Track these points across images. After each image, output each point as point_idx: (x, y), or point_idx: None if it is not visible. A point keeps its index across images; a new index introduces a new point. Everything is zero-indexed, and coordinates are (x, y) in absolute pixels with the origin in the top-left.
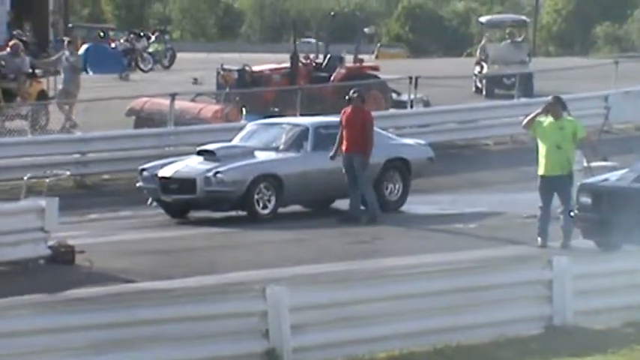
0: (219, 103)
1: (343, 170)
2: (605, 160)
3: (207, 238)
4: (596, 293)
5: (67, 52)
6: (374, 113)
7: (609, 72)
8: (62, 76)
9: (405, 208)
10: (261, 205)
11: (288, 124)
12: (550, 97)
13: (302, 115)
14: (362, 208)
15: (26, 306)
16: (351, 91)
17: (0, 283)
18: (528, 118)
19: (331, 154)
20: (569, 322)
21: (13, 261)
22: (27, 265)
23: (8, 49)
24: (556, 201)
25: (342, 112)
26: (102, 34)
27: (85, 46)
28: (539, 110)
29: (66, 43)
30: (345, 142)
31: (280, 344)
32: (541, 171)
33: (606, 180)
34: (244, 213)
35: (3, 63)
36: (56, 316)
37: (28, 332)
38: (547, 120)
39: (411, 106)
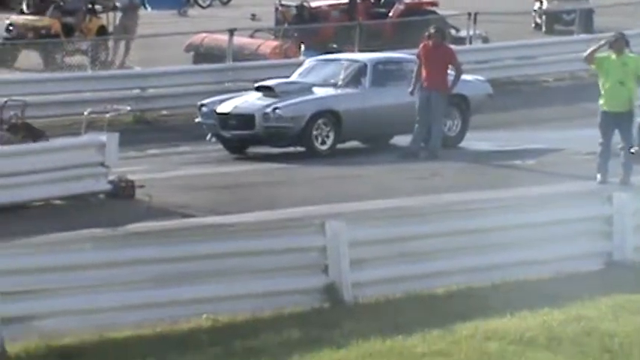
0: (277, 39)
1: (417, 105)
2: None
3: (266, 174)
4: None
5: None
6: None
7: None
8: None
9: (463, 144)
10: (319, 140)
11: (347, 60)
12: (614, 33)
13: (360, 51)
14: (422, 145)
15: (87, 240)
16: (432, 27)
17: (61, 218)
18: (590, 50)
19: (410, 89)
20: (628, 257)
21: (75, 195)
22: (88, 199)
23: None
24: (616, 137)
25: (421, 46)
26: None
27: None
28: (601, 42)
29: None
30: (425, 79)
31: (339, 279)
32: (603, 107)
33: None
34: (303, 149)
35: None
36: (117, 250)
37: (89, 266)
38: (610, 56)
39: (470, 43)
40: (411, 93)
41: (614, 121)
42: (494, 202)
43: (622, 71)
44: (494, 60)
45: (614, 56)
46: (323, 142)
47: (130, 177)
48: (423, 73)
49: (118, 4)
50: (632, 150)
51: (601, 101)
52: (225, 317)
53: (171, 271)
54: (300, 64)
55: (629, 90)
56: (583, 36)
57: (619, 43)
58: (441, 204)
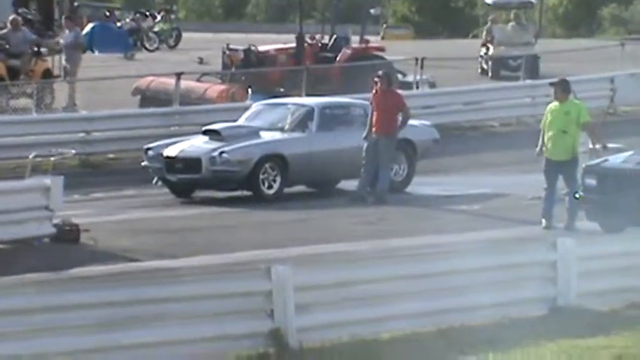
0: (224, 83)
1: (364, 148)
2: (604, 148)
3: (212, 218)
4: (599, 275)
5: (66, 31)
6: None
7: (615, 54)
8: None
9: (410, 189)
10: (266, 185)
11: (294, 104)
12: (556, 79)
13: (307, 95)
14: (368, 189)
15: (31, 284)
16: (378, 72)
17: (5, 261)
18: (538, 147)
19: (364, 135)
20: (572, 303)
21: (19, 239)
22: (32, 243)
23: (8, 24)
24: (561, 183)
25: (373, 92)
26: (108, 13)
27: (90, 25)
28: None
29: (63, 21)
30: (374, 123)
31: (285, 324)
32: (546, 154)
33: (606, 161)
34: (249, 193)
35: (5, 41)
36: (61, 295)
37: (33, 310)
38: (554, 105)
39: (417, 87)
40: (364, 138)
41: (558, 168)
42: (440, 247)
43: (565, 119)
44: (441, 105)
45: (557, 104)
46: (270, 187)
47: (75, 221)
48: (374, 118)
49: (61, 40)
50: (577, 195)
51: (544, 149)
52: None
53: (116, 315)
54: (247, 108)
55: (572, 138)
56: (529, 82)
57: (557, 89)
58: (388, 249)
